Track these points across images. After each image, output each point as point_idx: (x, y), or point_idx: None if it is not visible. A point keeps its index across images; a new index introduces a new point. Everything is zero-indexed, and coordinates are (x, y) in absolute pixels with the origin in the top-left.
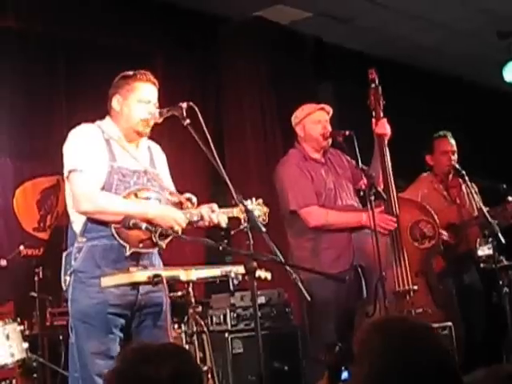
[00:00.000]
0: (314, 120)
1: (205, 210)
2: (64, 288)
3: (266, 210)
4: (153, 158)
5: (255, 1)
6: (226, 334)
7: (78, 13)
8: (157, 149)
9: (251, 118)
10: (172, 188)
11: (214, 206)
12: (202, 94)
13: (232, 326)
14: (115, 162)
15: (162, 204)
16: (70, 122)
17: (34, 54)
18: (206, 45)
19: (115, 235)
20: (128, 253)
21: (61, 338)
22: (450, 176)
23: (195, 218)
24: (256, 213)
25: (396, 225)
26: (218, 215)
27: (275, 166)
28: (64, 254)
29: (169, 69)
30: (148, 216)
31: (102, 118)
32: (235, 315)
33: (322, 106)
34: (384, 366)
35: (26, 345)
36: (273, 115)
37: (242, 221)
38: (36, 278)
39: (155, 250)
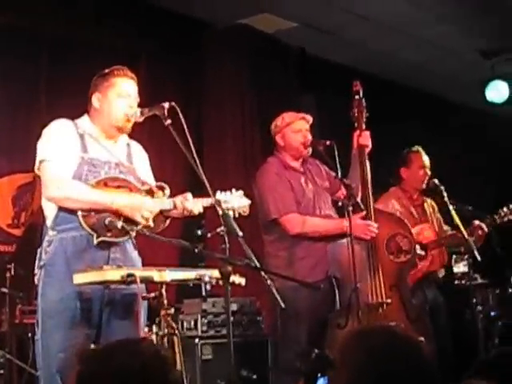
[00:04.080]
0: (294, 129)
1: (178, 198)
2: (36, 282)
3: (247, 201)
4: (130, 154)
5: (241, 8)
6: (196, 340)
7: (64, 9)
8: (137, 147)
9: (232, 123)
10: (149, 181)
11: (188, 195)
12: (184, 97)
13: (202, 332)
14: (86, 154)
15: (133, 194)
16: (50, 120)
17: (17, 48)
18: (190, 49)
19: (83, 224)
20: (95, 242)
21: (30, 335)
22: (416, 194)
23: (168, 206)
24: (235, 204)
25: (377, 231)
26: (191, 203)
27: (254, 172)
28: (38, 250)
29: (152, 70)
30: (113, 206)
31: (81, 115)
32: (206, 321)
33: (303, 115)
34: (366, 374)
35: None
36: (254, 122)
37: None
38: (8, 275)
39: (125, 239)
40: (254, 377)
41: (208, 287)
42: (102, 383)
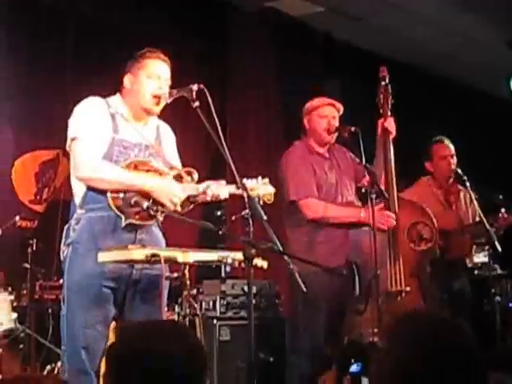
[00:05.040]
0: (320, 114)
1: (206, 184)
2: (62, 259)
3: (272, 190)
4: (159, 137)
5: None
6: (215, 321)
7: None
8: (166, 129)
9: (255, 107)
10: (175, 163)
11: (215, 182)
12: (208, 80)
13: (221, 313)
14: (117, 134)
15: (162, 177)
16: (75, 98)
17: (44, 24)
18: (216, 31)
19: (111, 205)
20: (123, 224)
21: (49, 311)
22: (450, 181)
23: (195, 192)
24: (261, 191)
25: (395, 222)
26: (218, 189)
27: (276, 158)
28: (65, 227)
29: (177, 52)
30: (145, 188)
31: (106, 95)
32: (225, 302)
33: (333, 101)
34: (413, 359)
35: (14, 315)
36: (277, 106)
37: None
38: (29, 250)
39: (152, 223)
40: (271, 359)
41: (228, 269)
42: (139, 364)
